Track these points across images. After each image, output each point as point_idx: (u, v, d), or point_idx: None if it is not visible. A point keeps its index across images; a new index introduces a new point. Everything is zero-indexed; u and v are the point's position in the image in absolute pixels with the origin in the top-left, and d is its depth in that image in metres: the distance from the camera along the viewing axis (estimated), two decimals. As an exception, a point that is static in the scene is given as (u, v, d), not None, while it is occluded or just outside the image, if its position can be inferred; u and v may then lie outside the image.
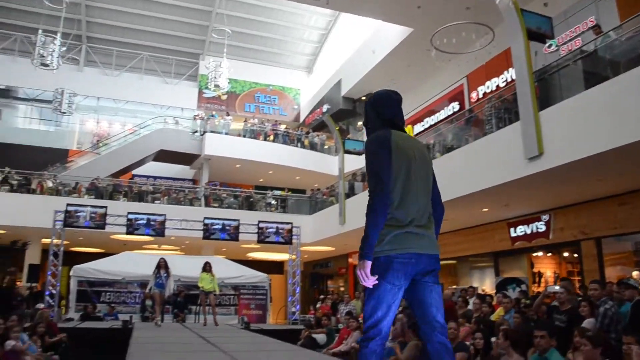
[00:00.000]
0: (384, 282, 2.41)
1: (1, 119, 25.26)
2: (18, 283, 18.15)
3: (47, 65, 17.72)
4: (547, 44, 12.10)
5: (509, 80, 14.85)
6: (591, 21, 12.03)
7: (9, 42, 24.73)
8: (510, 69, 14.87)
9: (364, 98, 22.98)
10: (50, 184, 18.17)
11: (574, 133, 8.28)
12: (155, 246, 19.45)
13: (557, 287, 8.28)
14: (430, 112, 18.90)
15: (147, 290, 11.72)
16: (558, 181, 9.55)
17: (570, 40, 12.53)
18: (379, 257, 2.43)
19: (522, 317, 7.10)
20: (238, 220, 15.32)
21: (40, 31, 17.77)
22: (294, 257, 15.95)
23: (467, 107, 16.42)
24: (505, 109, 11.27)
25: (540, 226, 12.30)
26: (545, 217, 12.17)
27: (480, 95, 16.12)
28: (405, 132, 2.69)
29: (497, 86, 15.45)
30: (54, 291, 13.42)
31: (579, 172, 8.82)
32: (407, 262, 2.43)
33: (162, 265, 11.01)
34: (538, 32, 9.57)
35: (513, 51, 9.71)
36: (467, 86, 17.16)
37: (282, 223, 15.53)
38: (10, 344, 6.17)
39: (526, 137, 9.06)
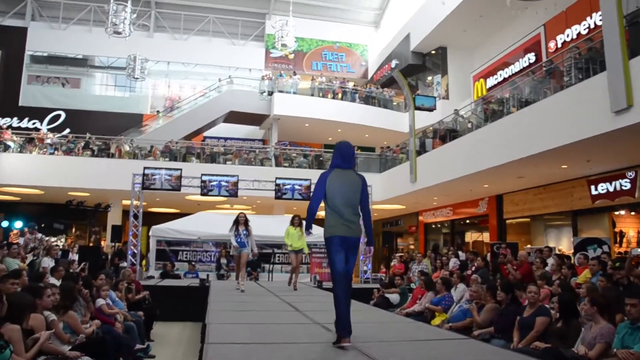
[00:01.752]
0: (332, 250, 4.22)
1: (80, 88, 26.38)
2: (102, 242, 19.28)
3: (119, 33, 18.19)
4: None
5: (592, 27, 13.87)
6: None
7: (84, 12, 25.61)
8: (593, 14, 13.86)
9: (433, 52, 22.19)
10: (127, 148, 18.91)
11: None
12: (228, 206, 19.96)
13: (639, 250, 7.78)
14: (504, 64, 18.07)
15: (230, 249, 10.09)
16: (648, 135, 8.86)
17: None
18: (327, 237, 4.25)
19: (609, 281, 6.72)
20: (309, 179, 15.35)
21: (112, 0, 18.19)
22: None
23: (544, 58, 15.52)
24: (589, 59, 10.49)
25: (625, 184, 11.56)
26: (630, 174, 11.42)
27: (560, 45, 15.18)
28: (350, 168, 4.47)
29: (579, 34, 14.50)
30: (135, 250, 14.09)
31: (674, 124, 8.13)
32: (339, 239, 4.20)
33: (241, 221, 9.28)
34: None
35: (601, -6, 8.95)
36: (544, 35, 16.21)
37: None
38: (99, 302, 6.51)
39: (613, 88, 8.42)
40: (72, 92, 25.95)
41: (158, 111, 25.23)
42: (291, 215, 10.08)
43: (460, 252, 13.80)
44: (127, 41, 20.61)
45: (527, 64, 16.66)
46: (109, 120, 23.81)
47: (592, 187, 12.47)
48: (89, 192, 17.72)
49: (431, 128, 17.41)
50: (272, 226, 11.60)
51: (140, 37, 25.09)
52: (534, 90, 12.72)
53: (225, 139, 24.20)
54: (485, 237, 17.84)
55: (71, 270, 9.43)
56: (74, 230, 22.42)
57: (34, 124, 23.90)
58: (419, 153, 16.52)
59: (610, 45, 8.62)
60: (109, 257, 14.92)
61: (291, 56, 26.61)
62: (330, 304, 7.57)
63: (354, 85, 24.02)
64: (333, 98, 22.84)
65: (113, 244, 16.52)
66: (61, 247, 14.95)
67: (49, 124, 24.05)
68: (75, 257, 12.91)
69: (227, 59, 26.59)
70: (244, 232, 9.24)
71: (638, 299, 4.55)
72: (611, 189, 11.96)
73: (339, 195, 4.24)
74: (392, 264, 15.51)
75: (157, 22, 26.97)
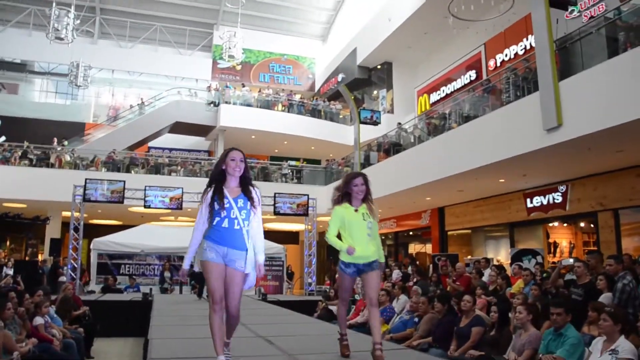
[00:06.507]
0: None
1: (18, 94, 25.43)
2: (40, 255, 18.57)
3: (61, 39, 17.67)
4: (569, 10, 11.75)
5: (528, 47, 14.56)
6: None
7: (23, 15, 24.75)
8: (529, 36, 14.55)
9: (379, 67, 22.71)
10: (68, 157, 18.35)
11: (595, 104, 8.12)
12: (172, 218, 19.67)
13: (570, 260, 8.24)
14: (447, 80, 18.66)
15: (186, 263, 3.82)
16: (576, 152, 9.42)
17: (593, 5, 12.17)
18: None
19: (540, 290, 7.10)
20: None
21: (54, 4, 17.69)
22: (309, 227, 16.03)
23: (484, 75, 16.16)
24: (524, 78, 11.06)
25: (557, 197, 12.18)
26: (562, 188, 12.04)
27: (499, 64, 15.85)
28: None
29: (516, 54, 15.18)
30: (75, 265, 13.68)
31: (598, 143, 8.69)
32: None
33: (233, 173, 3.73)
34: (560, -2, 9.32)
35: (534, 19, 9.48)
36: (484, 54, 16.87)
37: (298, 196, 15.55)
38: (38, 320, 6.32)
39: (545, 108, 8.91)
40: (9, 97, 24.98)
41: (115, 114, 24.55)
42: None
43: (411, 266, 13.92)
44: (70, 47, 20.08)
45: (468, 80, 17.25)
46: (49, 129, 22.98)
47: (528, 200, 13.04)
48: (26, 204, 17.07)
49: (376, 141, 17.78)
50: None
51: (84, 44, 24.49)
52: (474, 107, 13.25)
53: (171, 149, 23.92)
54: (428, 248, 18.28)
55: (2, 285, 9.13)
56: (8, 243, 21.46)
57: (-35, 130, 22.84)
58: (363, 166, 16.81)
59: (542, 67, 9.12)
60: (47, 271, 14.40)
61: (238, 67, 26.59)
62: (273, 316, 7.70)
63: (301, 98, 24.24)
64: (281, 110, 22.99)
65: (52, 257, 15.96)
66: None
67: (-18, 130, 23.03)
68: (10, 271, 12.43)
69: (173, 69, 26.35)
70: (242, 201, 3.71)
71: (563, 308, 4.88)
72: (545, 202, 12.55)
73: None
74: (337, 275, 15.68)
75: (102, 28, 26.43)
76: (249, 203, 3.69)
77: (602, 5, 11.76)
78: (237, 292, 3.58)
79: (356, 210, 4.01)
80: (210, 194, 3.66)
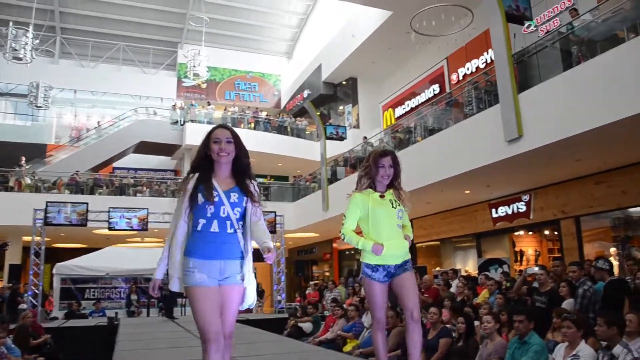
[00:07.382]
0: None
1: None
2: (-1, 283, 17.95)
3: (20, 59, 17.29)
4: (525, 25, 12.09)
5: (489, 61, 14.85)
6: (569, 1, 12.05)
7: (-21, 35, 24.17)
8: (490, 50, 14.86)
9: (344, 82, 22.92)
10: (28, 180, 17.86)
11: (553, 115, 8.33)
12: (139, 239, 19.31)
13: (536, 269, 8.40)
14: (412, 94, 18.89)
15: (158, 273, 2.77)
16: (537, 162, 9.62)
17: (548, 20, 12.55)
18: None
19: (505, 299, 7.20)
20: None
21: (11, 23, 17.33)
22: (278, 244, 15.94)
23: (447, 89, 16.42)
24: (485, 91, 11.28)
25: (521, 206, 12.40)
26: (525, 198, 12.27)
27: (461, 77, 16.15)
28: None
29: (477, 67, 15.48)
30: (36, 291, 13.25)
31: (557, 153, 8.89)
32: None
33: (222, 158, 2.88)
34: (516, 13, 9.55)
35: (492, 34, 9.72)
36: (447, 68, 17.17)
37: (265, 213, 15.42)
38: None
39: (506, 119, 9.09)
40: (-34, 120, 24.29)
41: (78, 135, 24.02)
42: None
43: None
44: (29, 67, 19.66)
45: (432, 94, 17.46)
46: (9, 151, 22.33)
47: (493, 210, 13.23)
48: (-17, 229, 16.54)
49: (342, 157, 17.86)
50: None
51: (44, 64, 23.99)
52: (438, 120, 13.43)
53: (136, 169, 23.53)
54: (398, 261, 18.31)
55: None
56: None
57: None
58: (330, 181, 16.85)
59: (502, 80, 9.33)
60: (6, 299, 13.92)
61: (204, 85, 26.46)
62: (242, 336, 7.58)
63: (267, 115, 24.24)
64: (247, 128, 22.91)
65: (10, 284, 15.43)
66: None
67: (-64, 154, 22.21)
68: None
69: (137, 88, 25.98)
70: (235, 195, 2.87)
71: (524, 315, 4.95)
72: (509, 212, 12.75)
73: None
74: (307, 292, 15.61)
75: (63, 48, 25.96)
76: (245, 199, 2.81)
77: (556, 20, 12.14)
78: (232, 313, 2.74)
79: (382, 196, 3.23)
80: (192, 182, 2.76)
